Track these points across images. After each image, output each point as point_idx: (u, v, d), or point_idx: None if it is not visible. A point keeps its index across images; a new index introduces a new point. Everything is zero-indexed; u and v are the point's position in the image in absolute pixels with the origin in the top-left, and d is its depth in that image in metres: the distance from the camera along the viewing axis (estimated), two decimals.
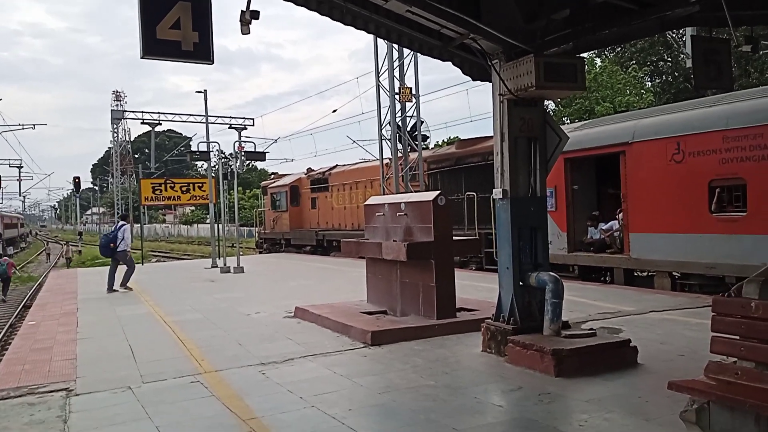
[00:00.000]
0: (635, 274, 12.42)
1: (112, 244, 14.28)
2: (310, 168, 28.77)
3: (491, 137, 19.87)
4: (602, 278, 13.19)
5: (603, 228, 13.12)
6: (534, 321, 6.57)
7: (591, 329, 6.72)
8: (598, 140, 12.71)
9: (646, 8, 6.78)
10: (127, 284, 14.33)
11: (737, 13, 7.47)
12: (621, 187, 12.26)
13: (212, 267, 20.10)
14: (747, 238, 9.90)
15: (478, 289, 11.27)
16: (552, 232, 10.96)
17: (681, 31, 25.12)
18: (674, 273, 11.40)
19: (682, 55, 30.15)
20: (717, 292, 10.20)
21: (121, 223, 15.07)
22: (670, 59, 35.07)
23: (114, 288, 14.12)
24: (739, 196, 10.27)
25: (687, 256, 10.78)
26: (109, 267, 14.76)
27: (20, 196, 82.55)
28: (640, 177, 11.74)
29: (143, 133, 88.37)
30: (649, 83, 36.31)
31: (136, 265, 15.83)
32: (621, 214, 12.43)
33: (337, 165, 26.26)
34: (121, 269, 14.43)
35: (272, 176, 36.13)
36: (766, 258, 9.31)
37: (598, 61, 33.94)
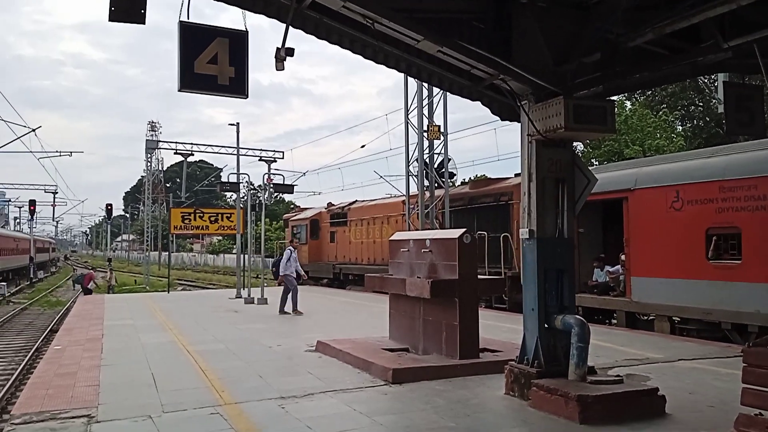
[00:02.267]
0: (637, 317, 12.56)
1: (273, 268, 15.36)
2: (330, 203, 29.26)
3: (503, 179, 20.23)
4: (606, 321, 13.37)
5: (609, 270, 13.33)
6: (559, 365, 6.45)
7: (618, 376, 6.56)
8: (603, 186, 12.74)
9: (677, 54, 6.81)
10: (297, 308, 14.91)
11: None
12: (624, 231, 12.50)
13: (236, 297, 20.20)
14: (741, 286, 10.16)
15: (501, 330, 11.12)
16: None
17: (713, 76, 25.01)
18: (674, 317, 11.63)
19: (714, 100, 29.95)
20: (714, 338, 10.58)
21: (288, 248, 15.86)
22: (701, 104, 34.82)
23: (285, 310, 14.97)
24: (734, 245, 10.49)
25: (685, 301, 11.05)
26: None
27: (53, 221, 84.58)
28: (641, 223, 12.08)
29: (176, 163, 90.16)
30: (680, 127, 36.02)
31: (164, 293, 16.11)
32: (624, 258, 12.65)
33: (356, 200, 26.72)
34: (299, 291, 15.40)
35: (293, 209, 36.60)
36: (759, 305, 9.77)
37: (628, 103, 33.86)
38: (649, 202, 11.85)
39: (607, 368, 7.70)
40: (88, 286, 27.26)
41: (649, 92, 34.25)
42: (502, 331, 10.98)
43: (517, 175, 18.70)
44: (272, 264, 16.24)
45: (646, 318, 12.45)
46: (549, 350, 6.53)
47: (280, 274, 15.26)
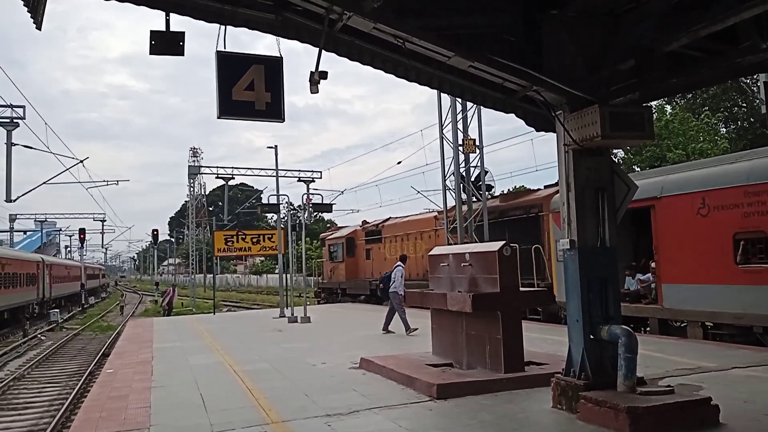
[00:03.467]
0: (670, 324, 12.50)
1: (381, 284, 14.95)
2: (365, 220, 29.93)
3: (533, 191, 20.04)
4: (639, 329, 13.10)
5: (641, 279, 13.30)
6: (607, 376, 6.33)
7: (668, 386, 6.40)
8: None
9: (715, 56, 6.70)
10: (410, 327, 13.57)
11: None
12: (653, 239, 12.54)
13: (280, 317, 20.41)
14: None
15: (547, 342, 10.97)
16: None
17: (755, 77, 24.35)
18: (706, 323, 11.58)
19: (757, 101, 29.12)
20: (747, 342, 10.55)
21: (398, 264, 14.79)
22: (744, 105, 33.89)
23: (389, 329, 14.20)
24: (762, 248, 10.53)
25: (716, 306, 11.02)
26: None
27: (102, 248, 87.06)
28: (669, 230, 12.17)
29: (217, 187, 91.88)
30: (724, 129, 35.09)
31: (209, 314, 16.29)
32: (654, 265, 12.64)
33: (390, 218, 27.28)
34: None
35: (329, 227, 37.26)
36: None
37: (668, 108, 33.18)
38: (675, 210, 11.95)
39: (657, 379, 7.51)
40: (169, 303, 30.16)
41: (690, 95, 33.50)
42: (547, 343, 10.83)
43: (546, 186, 18.83)
44: (380, 280, 15.23)
45: (678, 324, 12.37)
46: (596, 362, 6.42)
47: (396, 291, 14.12)
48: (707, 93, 32.87)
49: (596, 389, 6.19)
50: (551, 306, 14.54)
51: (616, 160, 30.37)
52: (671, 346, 10.72)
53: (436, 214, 22.83)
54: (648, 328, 12.93)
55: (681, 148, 29.07)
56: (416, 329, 13.14)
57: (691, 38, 6.01)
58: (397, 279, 14.18)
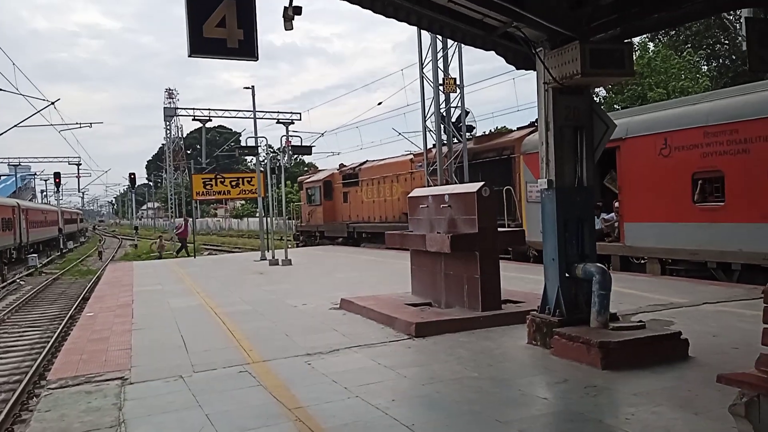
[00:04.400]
0: (630, 260, 12.95)
1: None
2: (342, 164, 29.96)
3: (506, 133, 19.99)
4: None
5: (605, 218, 13.70)
6: (581, 313, 6.47)
7: (640, 321, 6.57)
8: None
9: None
10: None
11: None
12: (617, 179, 12.88)
13: (261, 260, 20.50)
14: (725, 226, 10.67)
15: (525, 281, 11.15)
16: None
17: (738, 13, 24.10)
18: (665, 259, 12.12)
19: (739, 38, 28.95)
20: (701, 277, 11.13)
21: None
22: (727, 42, 33.72)
23: None
24: (718, 188, 10.96)
25: (674, 243, 11.57)
26: None
27: (79, 192, 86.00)
28: (633, 170, 12.52)
29: (195, 130, 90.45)
30: (705, 67, 34.98)
31: (190, 258, 16.25)
32: (617, 205, 13.02)
33: (367, 161, 27.39)
34: None
35: (306, 171, 37.47)
36: (741, 244, 10.32)
37: (651, 45, 32.92)
38: (639, 151, 12.22)
39: (630, 314, 7.71)
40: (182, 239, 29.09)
41: (673, 32, 33.19)
42: (525, 282, 11.01)
43: (519, 128, 18.84)
44: None
45: (638, 261, 12.82)
46: (570, 299, 6.54)
47: None
48: (690, 30, 32.62)
49: (570, 325, 6.33)
50: (521, 246, 14.78)
51: (597, 99, 30.25)
52: (644, 282, 10.96)
53: (412, 156, 22.94)
54: (611, 265, 13.27)
55: (662, 87, 29.01)
56: None
57: None
58: None
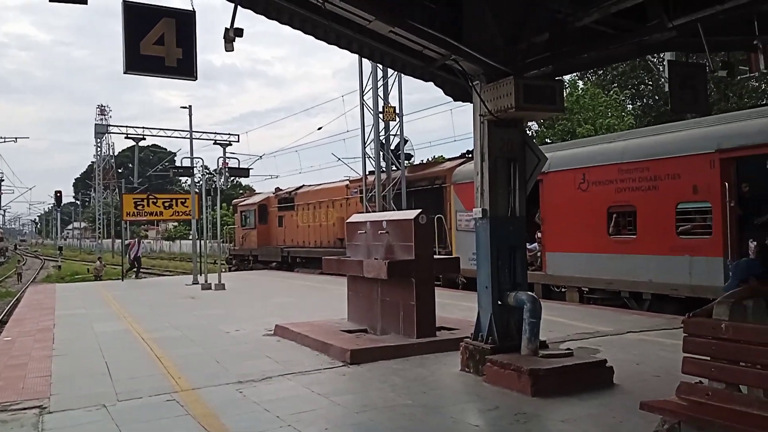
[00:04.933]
0: (552, 289, 13.49)
1: None
2: (278, 187, 29.96)
3: (439, 162, 20.59)
4: None
5: (528, 247, 14.18)
6: (512, 340, 6.60)
7: (568, 349, 6.76)
8: None
9: (624, 33, 6.95)
10: None
11: (714, 39, 7.67)
12: (540, 211, 13.52)
13: (193, 283, 19.94)
14: (637, 258, 11.28)
15: (459, 308, 11.29)
16: None
17: (661, 55, 25.57)
18: (583, 288, 12.69)
19: (662, 79, 30.67)
20: (616, 305, 11.74)
21: None
22: (650, 83, 35.62)
23: None
24: (631, 221, 11.64)
25: (591, 273, 12.18)
26: None
27: (0, 209, 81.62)
28: (554, 203, 13.15)
29: (127, 148, 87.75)
30: (630, 106, 36.81)
31: (117, 281, 15.65)
32: (540, 235, 13.62)
33: (303, 185, 27.45)
34: None
35: (242, 194, 37.34)
36: (651, 275, 10.97)
37: (580, 83, 34.41)
38: (560, 184, 12.82)
39: (558, 342, 7.91)
40: (137, 259, 25.49)
41: (601, 72, 34.84)
42: (459, 309, 11.14)
43: (450, 159, 19.45)
44: None
45: (559, 289, 13.34)
46: (503, 326, 6.67)
47: None
48: (617, 70, 34.26)
49: (502, 353, 6.44)
50: (455, 273, 15.10)
51: (529, 132, 31.31)
52: (572, 311, 11.29)
53: (348, 182, 23.20)
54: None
55: (590, 123, 30.30)
56: None
57: (602, 14, 6.21)
58: None
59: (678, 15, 6.46)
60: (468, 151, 20.21)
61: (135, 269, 25.05)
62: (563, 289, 13.14)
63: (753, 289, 4.35)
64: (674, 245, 10.64)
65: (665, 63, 17.97)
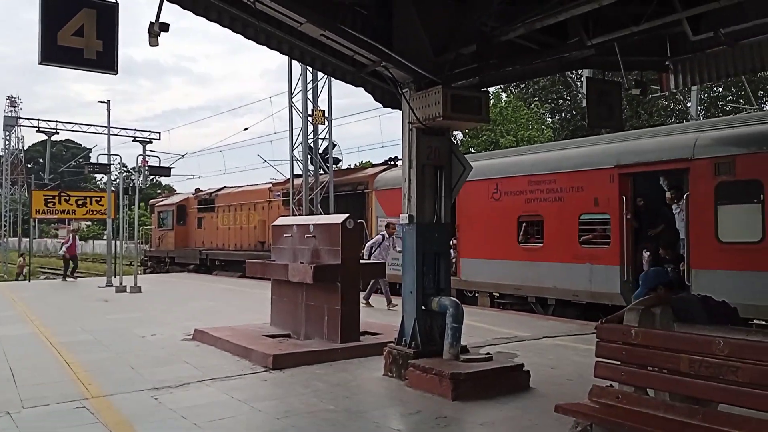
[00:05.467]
0: (465, 293, 13.91)
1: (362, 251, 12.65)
2: (198, 188, 29.38)
3: (361, 169, 20.96)
4: None
5: None
6: (435, 345, 6.69)
7: (488, 354, 6.93)
8: None
9: (546, 49, 7.24)
10: (367, 301, 12.51)
11: (629, 59, 8.13)
12: (456, 219, 13.86)
13: (107, 286, 19.06)
14: (543, 265, 11.88)
15: (383, 313, 11.35)
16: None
17: (579, 72, 26.76)
18: (494, 293, 13.20)
19: (579, 95, 32.05)
20: (524, 310, 12.30)
21: (382, 233, 13.17)
22: (569, 98, 37.18)
23: (370, 303, 12.59)
24: (539, 230, 12.22)
25: (502, 279, 12.64)
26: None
27: None
28: (469, 211, 13.44)
29: (38, 142, 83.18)
30: (550, 119, 38.28)
31: (24, 282, 14.75)
32: (455, 242, 14.03)
33: (225, 186, 27.07)
34: None
35: (159, 194, 36.60)
36: (556, 281, 11.57)
37: (504, 96, 35.47)
38: (475, 194, 13.02)
39: (479, 347, 8.09)
40: (73, 258, 22.90)
41: (523, 85, 36.05)
42: (384, 314, 11.20)
43: (373, 165, 19.85)
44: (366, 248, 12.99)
45: (471, 294, 13.80)
46: (426, 331, 6.76)
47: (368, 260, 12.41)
48: (538, 84, 35.57)
49: (425, 357, 6.52)
50: (381, 277, 15.30)
51: (454, 141, 31.96)
52: (492, 317, 11.58)
53: (270, 185, 23.07)
54: None
55: (512, 135, 31.27)
56: (396, 306, 11.23)
57: (527, 29, 6.43)
58: (380, 250, 12.84)
59: (597, 34, 6.81)
60: (390, 158, 20.74)
61: (74, 268, 22.94)
62: (476, 294, 13.59)
63: (660, 297, 4.61)
64: (576, 253, 11.27)
65: (583, 79, 18.83)
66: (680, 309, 4.54)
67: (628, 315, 4.46)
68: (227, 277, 22.77)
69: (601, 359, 4.19)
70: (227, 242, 24.89)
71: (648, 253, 10.58)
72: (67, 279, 22.08)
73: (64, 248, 22.68)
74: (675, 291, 4.93)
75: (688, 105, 29.46)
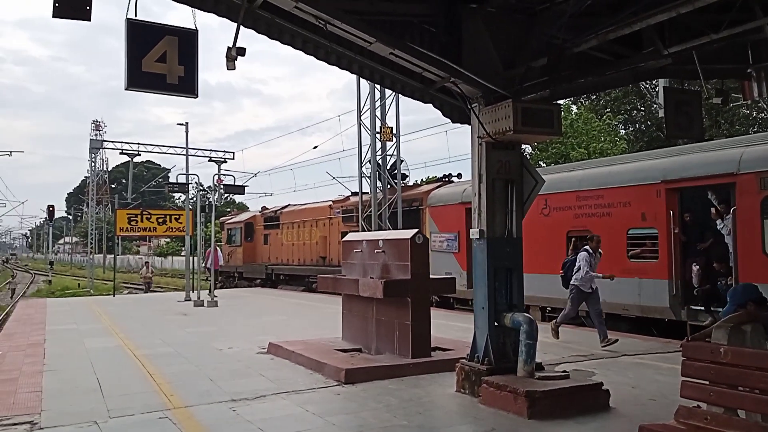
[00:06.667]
0: None
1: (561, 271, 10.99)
2: (264, 206, 30.76)
3: (417, 186, 21.71)
4: None
5: None
6: (508, 362, 6.59)
7: (564, 371, 6.75)
8: None
9: (620, 59, 7.06)
10: (608, 338, 9.65)
11: (708, 67, 7.80)
12: None
13: (185, 300, 19.80)
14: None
15: (453, 329, 11.26)
16: (455, 270, 14.76)
17: (654, 82, 25.90)
18: (545, 307, 13.22)
19: (654, 105, 31.01)
20: (575, 324, 11.99)
21: (586, 248, 10.38)
22: (643, 108, 36.03)
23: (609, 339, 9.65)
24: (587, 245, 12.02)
25: (552, 293, 12.38)
26: None
27: None
28: None
29: (121, 164, 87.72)
30: (623, 131, 37.17)
31: (109, 296, 15.46)
32: None
33: (289, 204, 28.24)
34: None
35: (228, 211, 38.22)
36: (605, 295, 11.02)
37: (574, 108, 34.74)
38: None
39: (554, 364, 7.90)
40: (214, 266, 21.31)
41: (594, 97, 35.21)
42: (453, 330, 11.11)
43: (422, 182, 21.03)
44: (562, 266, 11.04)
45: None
46: (499, 348, 6.66)
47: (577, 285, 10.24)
48: (610, 96, 34.67)
49: (498, 374, 6.42)
50: (451, 293, 15.41)
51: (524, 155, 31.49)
52: (568, 333, 11.27)
53: (331, 203, 23.87)
54: None
55: (583, 147, 30.54)
56: (615, 340, 9.61)
57: (599, 40, 6.30)
58: (582, 268, 10.13)
59: (673, 43, 6.59)
60: (444, 175, 20.95)
61: (222, 283, 22.39)
62: (528, 308, 13.35)
63: (750, 314, 4.37)
64: (625, 268, 11.27)
65: (659, 89, 18.22)
66: None
67: (716, 333, 4.26)
68: (291, 290, 23.46)
69: (687, 378, 4.00)
70: (291, 257, 25.82)
71: (698, 266, 10.52)
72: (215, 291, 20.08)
73: (209, 262, 21.55)
74: (767, 307, 4.67)
75: None
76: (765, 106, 30.30)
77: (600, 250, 10.43)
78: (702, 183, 10.43)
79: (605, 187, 11.99)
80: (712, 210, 10.41)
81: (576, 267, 10.35)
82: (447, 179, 20.10)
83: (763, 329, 4.27)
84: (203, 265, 22.84)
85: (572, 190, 12.48)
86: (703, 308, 10.38)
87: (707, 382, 3.91)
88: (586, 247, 10.42)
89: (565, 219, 12.62)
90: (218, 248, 23.43)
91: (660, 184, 10.87)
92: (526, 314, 6.66)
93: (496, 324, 6.66)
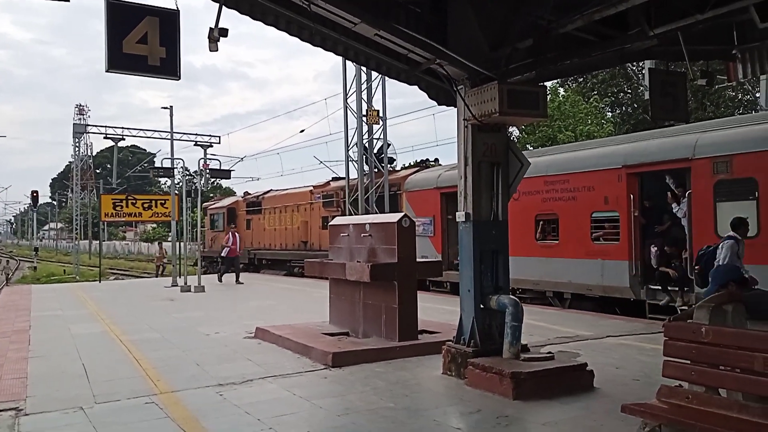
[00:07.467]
0: None
1: (697, 266, 8.11)
2: (247, 192, 30.81)
3: (395, 171, 21.68)
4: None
5: None
6: (494, 344, 6.62)
7: (549, 353, 6.80)
8: (454, 180, 14.73)
9: (605, 40, 7.02)
10: None
11: (694, 48, 7.80)
12: None
13: (172, 286, 19.70)
14: (559, 261, 12.52)
15: (440, 312, 11.30)
16: (431, 254, 15.05)
17: (641, 64, 25.94)
18: (515, 288, 13.31)
19: (641, 87, 31.08)
20: (543, 304, 12.64)
21: (727, 236, 7.68)
22: (629, 91, 36.10)
23: None
24: (554, 228, 12.83)
25: (521, 274, 12.65)
26: None
27: None
28: None
29: (106, 148, 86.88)
30: (610, 113, 37.26)
31: (95, 282, 15.36)
32: None
33: (271, 190, 28.43)
34: None
35: (212, 197, 38.53)
36: (571, 276, 12.09)
37: (561, 90, 34.73)
38: None
39: (539, 346, 7.96)
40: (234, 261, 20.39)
41: (581, 79, 35.22)
42: (440, 312, 11.16)
43: (404, 167, 20.95)
44: (696, 260, 8.12)
45: None
46: (484, 330, 6.69)
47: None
48: (597, 78, 34.69)
49: (484, 356, 6.45)
50: (437, 276, 15.56)
51: (511, 138, 31.53)
52: (553, 315, 11.38)
53: (312, 188, 24.03)
54: None
55: (570, 130, 30.60)
56: None
57: (585, 21, 6.25)
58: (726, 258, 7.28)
59: (659, 24, 6.56)
60: (422, 160, 21.01)
61: (228, 270, 20.72)
62: None
63: (732, 294, 4.41)
64: (589, 250, 11.82)
65: (645, 71, 18.24)
66: (754, 306, 4.34)
67: (698, 312, 4.30)
68: (274, 275, 23.71)
69: (669, 358, 4.04)
70: (273, 242, 25.98)
71: (656, 248, 10.90)
72: (222, 281, 20.29)
73: (225, 251, 20.68)
74: (748, 287, 4.72)
75: (757, 95, 28.14)
76: (750, 87, 30.47)
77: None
78: (660, 168, 10.83)
79: (571, 172, 12.37)
80: (668, 194, 10.80)
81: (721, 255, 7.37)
82: (424, 164, 20.11)
83: (744, 309, 4.31)
84: (220, 254, 21.33)
85: (540, 175, 12.67)
86: (660, 288, 10.80)
87: (689, 362, 3.95)
88: (731, 233, 7.69)
89: (534, 203, 12.95)
90: (236, 234, 21.70)
91: (621, 169, 11.26)
92: (511, 296, 6.69)
93: (482, 306, 6.68)
